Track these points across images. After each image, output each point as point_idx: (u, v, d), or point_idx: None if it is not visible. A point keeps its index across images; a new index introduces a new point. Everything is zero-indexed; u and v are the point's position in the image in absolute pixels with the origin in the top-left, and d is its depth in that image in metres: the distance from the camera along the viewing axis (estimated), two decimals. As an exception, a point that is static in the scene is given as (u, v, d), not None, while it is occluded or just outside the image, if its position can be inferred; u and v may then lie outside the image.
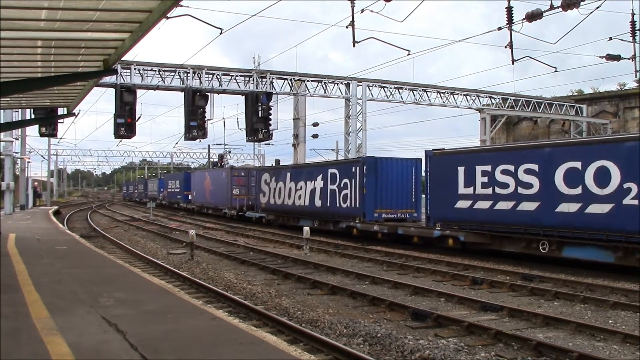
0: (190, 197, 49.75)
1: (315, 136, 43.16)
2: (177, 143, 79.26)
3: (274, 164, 43.93)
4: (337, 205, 24.94)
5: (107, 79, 26.40)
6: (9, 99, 15.76)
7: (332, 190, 25.42)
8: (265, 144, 62.48)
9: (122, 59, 10.89)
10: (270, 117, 27.97)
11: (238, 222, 36.02)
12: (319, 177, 26.43)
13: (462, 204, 18.32)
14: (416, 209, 24.05)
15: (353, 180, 23.88)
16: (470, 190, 17.98)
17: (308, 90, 33.49)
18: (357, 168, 23.73)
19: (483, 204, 17.53)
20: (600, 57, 21.79)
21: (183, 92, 27.75)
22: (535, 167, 16.06)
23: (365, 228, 23.16)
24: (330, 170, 25.84)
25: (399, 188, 23.69)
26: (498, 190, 17.07)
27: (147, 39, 14.48)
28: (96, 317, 7.58)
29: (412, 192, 23.98)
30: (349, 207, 24.15)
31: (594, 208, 14.48)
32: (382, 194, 23.34)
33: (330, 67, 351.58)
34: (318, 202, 26.49)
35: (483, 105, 38.59)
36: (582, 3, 14.69)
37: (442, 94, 36.77)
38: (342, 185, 24.71)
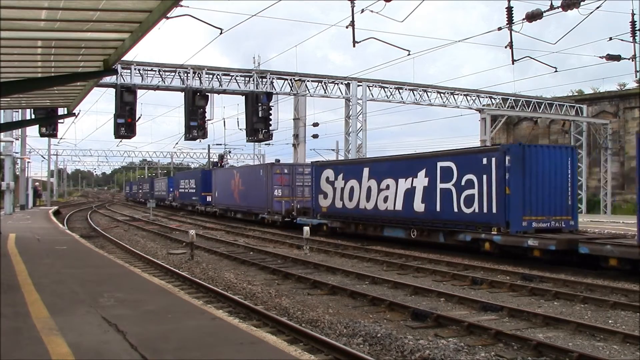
0: (209, 198, 43.70)
1: (315, 136, 43.19)
2: (177, 143, 79.11)
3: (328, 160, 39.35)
4: (455, 210, 19.04)
5: (107, 79, 26.40)
6: (9, 99, 15.76)
7: (444, 190, 19.54)
8: (265, 144, 62.25)
9: (122, 59, 10.88)
10: (270, 117, 27.97)
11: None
12: (421, 173, 20.60)
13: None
14: (573, 214, 18.27)
15: (485, 177, 17.97)
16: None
17: (308, 90, 33.49)
18: (494, 159, 17.72)
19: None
20: (600, 57, 21.81)
21: (183, 92, 27.75)
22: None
23: (509, 242, 17.11)
24: (440, 164, 19.86)
25: (551, 186, 17.81)
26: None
27: (147, 39, 14.48)
28: (96, 317, 7.58)
29: (568, 192, 18.06)
30: (478, 213, 18.19)
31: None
32: (532, 194, 17.48)
33: (329, 67, 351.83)
34: (419, 206, 20.61)
35: (483, 105, 38.59)
36: (582, 3, 14.69)
37: (442, 94, 36.77)
38: (462, 183, 18.78)
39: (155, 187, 69.78)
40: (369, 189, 23.33)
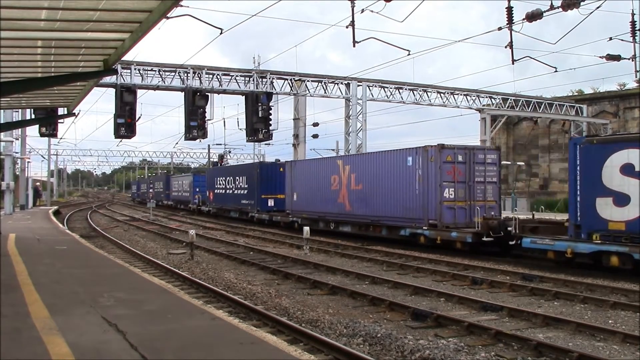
0: (272, 202, 32.87)
1: (315, 136, 43.15)
2: (177, 143, 79.02)
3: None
4: None
5: (107, 79, 26.39)
6: (9, 99, 15.76)
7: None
8: (266, 144, 62.14)
9: (122, 59, 10.89)
10: (270, 117, 27.97)
11: (238, 222, 35.27)
12: None
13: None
14: None
15: None
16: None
17: (308, 90, 33.48)
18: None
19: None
20: (600, 57, 21.79)
21: (183, 92, 27.74)
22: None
23: None
24: None
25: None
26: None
27: (147, 39, 14.50)
28: (96, 317, 7.58)
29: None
30: None
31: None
32: None
33: (328, 67, 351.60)
34: None
35: (483, 105, 38.59)
36: (582, 3, 14.68)
37: (442, 94, 36.77)
38: None
39: (173, 186, 58.01)
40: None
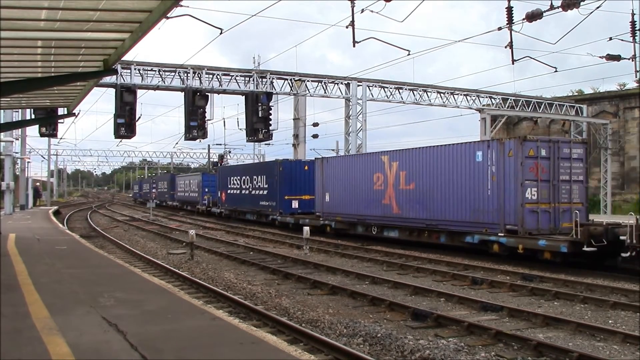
0: (296, 204, 29.86)
1: (315, 136, 43.16)
2: (177, 143, 78.83)
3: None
4: None
5: (107, 79, 26.38)
6: (9, 99, 15.76)
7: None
8: (265, 144, 62.00)
9: (122, 59, 10.88)
10: (270, 117, 27.96)
11: (237, 222, 35.48)
12: None
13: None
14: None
15: None
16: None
17: (308, 90, 33.47)
18: None
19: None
20: (600, 57, 21.78)
21: (183, 92, 27.74)
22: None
23: None
24: None
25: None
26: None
27: (147, 39, 14.51)
28: (96, 317, 7.58)
29: None
30: None
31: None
32: None
33: (328, 67, 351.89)
34: None
35: (483, 105, 38.59)
36: (582, 3, 14.68)
37: (442, 94, 36.76)
38: None
39: (179, 186, 53.89)
40: None
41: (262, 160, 37.21)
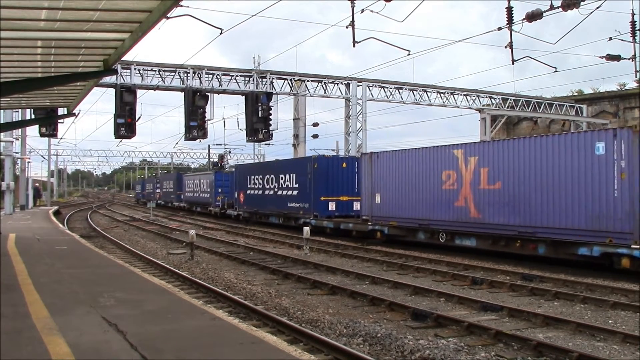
0: (333, 206, 26.40)
1: (315, 136, 43.13)
2: (177, 143, 78.81)
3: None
4: None
5: (107, 79, 26.40)
6: (9, 99, 15.76)
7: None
8: (265, 144, 61.94)
9: (122, 59, 10.89)
10: (270, 117, 27.97)
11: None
12: None
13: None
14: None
15: None
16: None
17: (308, 90, 33.49)
18: None
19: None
20: (600, 57, 21.79)
21: (183, 92, 27.75)
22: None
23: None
24: None
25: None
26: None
27: (147, 39, 14.51)
28: (96, 317, 7.58)
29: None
30: None
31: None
32: None
33: (327, 67, 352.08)
34: None
35: (483, 105, 38.61)
36: (582, 3, 14.68)
37: (442, 94, 36.78)
38: None
39: (187, 186, 49.58)
40: None
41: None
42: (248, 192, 34.14)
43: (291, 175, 28.93)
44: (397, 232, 21.47)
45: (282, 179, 29.89)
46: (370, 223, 22.74)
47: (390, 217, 21.80)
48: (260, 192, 32.47)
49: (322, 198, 26.20)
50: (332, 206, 26.32)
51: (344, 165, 26.60)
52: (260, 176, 32.62)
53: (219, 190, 40.42)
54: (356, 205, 25.53)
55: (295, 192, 28.42)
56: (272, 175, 31.08)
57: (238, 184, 35.82)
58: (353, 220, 24.94)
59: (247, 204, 34.34)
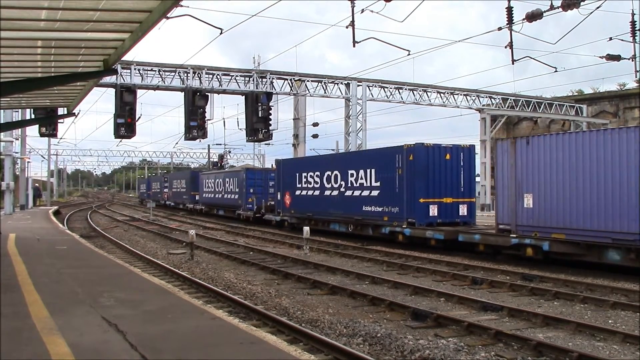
0: (432, 210, 20.40)
1: (315, 136, 43.18)
2: (177, 143, 78.90)
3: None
4: None
5: (107, 79, 26.43)
6: (9, 99, 15.77)
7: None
8: (265, 144, 62.20)
9: (122, 59, 10.89)
10: (270, 117, 28.00)
11: (238, 222, 35.04)
12: None
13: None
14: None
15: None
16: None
17: (308, 90, 33.51)
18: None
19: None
20: (600, 57, 21.80)
21: (183, 92, 27.77)
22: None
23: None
24: None
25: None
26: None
27: (147, 39, 14.49)
28: (96, 317, 7.58)
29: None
30: None
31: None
32: None
33: (327, 66, 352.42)
34: None
35: (483, 105, 38.63)
36: (582, 3, 14.68)
37: (442, 94, 36.80)
38: None
39: (206, 185, 43.26)
40: None
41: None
42: (297, 192, 27.95)
43: (369, 170, 22.88)
44: (565, 249, 15.50)
45: (352, 175, 23.93)
46: (513, 235, 16.81)
47: (553, 227, 15.81)
48: (318, 192, 26.28)
49: (422, 200, 20.35)
50: (433, 210, 20.47)
51: (448, 156, 20.97)
52: (317, 173, 26.44)
53: (251, 190, 34.62)
54: (462, 209, 20.94)
55: (375, 193, 22.42)
56: (337, 172, 24.98)
57: (282, 183, 29.48)
58: (475, 229, 19.64)
59: (296, 207, 28.11)
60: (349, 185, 24.06)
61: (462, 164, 20.97)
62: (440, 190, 20.64)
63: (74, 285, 10.18)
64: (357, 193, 23.58)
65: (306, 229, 20.30)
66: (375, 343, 8.44)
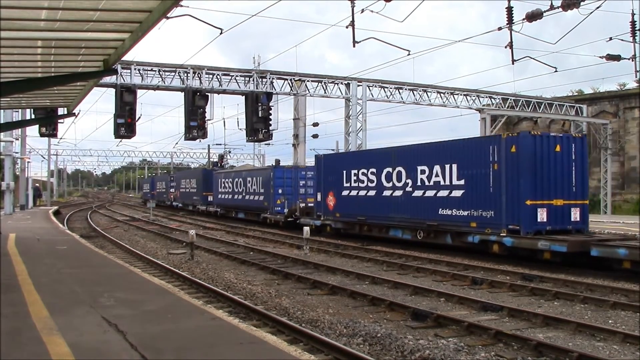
0: (540, 216, 16.70)
1: (315, 136, 43.13)
2: (177, 143, 78.79)
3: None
4: None
5: (107, 79, 26.40)
6: (9, 99, 15.77)
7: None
8: (265, 144, 61.95)
9: (122, 59, 10.89)
10: (270, 117, 27.97)
11: (238, 222, 35.20)
12: None
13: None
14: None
15: None
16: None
17: (308, 90, 33.48)
18: None
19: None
20: (600, 57, 21.78)
21: (183, 92, 27.76)
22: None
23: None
24: None
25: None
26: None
27: (147, 39, 14.49)
28: (96, 317, 7.58)
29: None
30: None
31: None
32: None
33: (327, 66, 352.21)
34: None
35: (483, 105, 38.60)
36: (582, 3, 14.68)
37: (442, 94, 36.77)
38: None
39: (222, 185, 39.47)
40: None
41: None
42: (344, 192, 24.36)
43: (447, 166, 19.04)
44: None
45: (423, 172, 20.06)
46: None
47: None
48: (373, 192, 22.56)
49: (529, 202, 16.67)
50: (542, 215, 16.83)
51: (558, 148, 17.22)
52: (373, 170, 22.66)
53: (279, 191, 31.12)
54: (574, 213, 17.27)
55: (457, 193, 18.61)
56: (401, 168, 21.08)
57: (323, 182, 25.89)
58: (611, 240, 15.87)
59: (343, 209, 24.62)
60: (419, 184, 20.25)
61: (573, 157, 17.32)
62: (550, 190, 17.03)
63: (74, 285, 10.17)
64: (430, 193, 19.81)
65: (306, 229, 20.30)
66: (375, 343, 8.44)
